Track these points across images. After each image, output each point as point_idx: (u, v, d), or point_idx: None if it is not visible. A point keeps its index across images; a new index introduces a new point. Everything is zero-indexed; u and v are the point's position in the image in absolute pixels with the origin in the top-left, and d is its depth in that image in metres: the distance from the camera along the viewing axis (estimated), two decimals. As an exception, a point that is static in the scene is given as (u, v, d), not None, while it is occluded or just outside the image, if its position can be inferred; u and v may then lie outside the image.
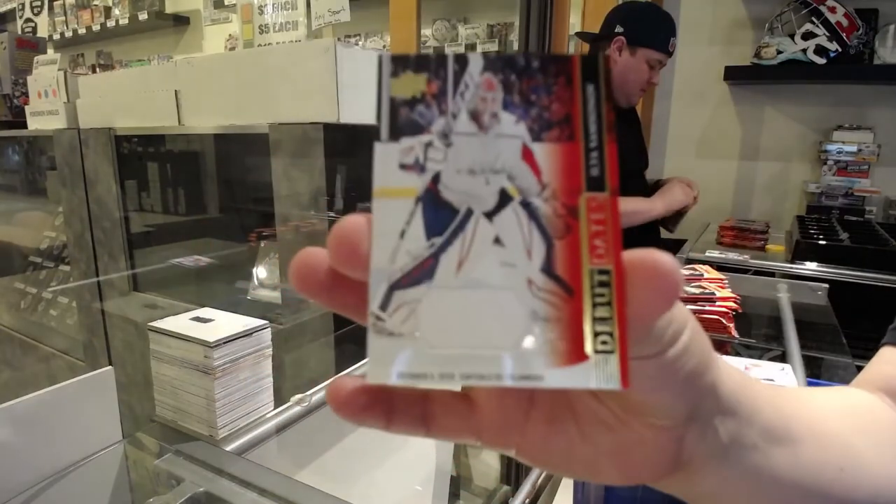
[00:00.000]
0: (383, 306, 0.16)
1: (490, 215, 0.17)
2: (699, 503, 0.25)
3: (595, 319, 0.16)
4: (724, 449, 0.22)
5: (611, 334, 0.16)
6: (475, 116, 0.17)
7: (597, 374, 0.16)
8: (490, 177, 0.17)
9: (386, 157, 0.17)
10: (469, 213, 0.17)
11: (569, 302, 0.16)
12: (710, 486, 0.24)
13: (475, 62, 0.17)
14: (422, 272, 0.16)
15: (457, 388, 0.22)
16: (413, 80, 0.17)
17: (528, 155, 0.17)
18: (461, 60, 0.17)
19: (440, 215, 0.17)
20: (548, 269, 0.16)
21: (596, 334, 0.16)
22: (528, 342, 0.16)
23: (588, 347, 0.16)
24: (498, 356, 0.16)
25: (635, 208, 1.52)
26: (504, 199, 0.17)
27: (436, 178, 0.17)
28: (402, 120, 0.17)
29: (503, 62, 0.17)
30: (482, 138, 0.17)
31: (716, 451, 0.22)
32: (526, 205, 0.17)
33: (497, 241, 0.17)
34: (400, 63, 0.17)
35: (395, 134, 0.17)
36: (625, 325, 0.16)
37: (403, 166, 0.17)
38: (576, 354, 0.16)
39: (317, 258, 0.18)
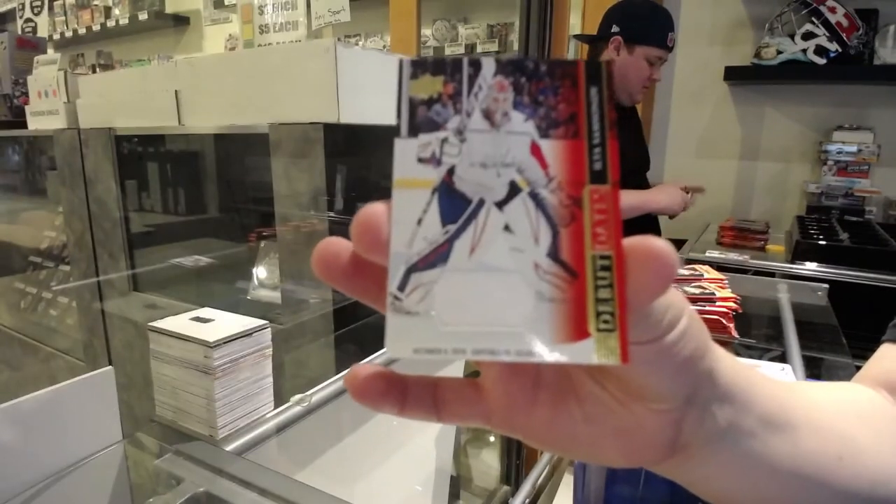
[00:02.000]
0: (401, 287, 0.17)
1: (500, 205, 0.18)
2: (697, 487, 0.26)
3: (597, 300, 0.17)
4: (722, 434, 0.23)
5: (612, 314, 0.17)
6: (488, 115, 0.18)
7: (598, 350, 0.17)
8: (501, 170, 0.18)
9: (405, 151, 0.18)
10: (481, 202, 0.18)
11: (573, 284, 0.17)
12: (709, 470, 0.24)
13: (488, 66, 0.18)
14: (437, 256, 0.18)
15: (468, 363, 0.23)
16: (431, 82, 0.18)
17: (536, 150, 0.18)
18: (475, 64, 0.18)
19: (454, 204, 0.18)
20: (554, 254, 0.18)
21: (598, 314, 0.17)
22: (535, 321, 0.17)
23: (591, 326, 0.17)
24: (507, 333, 0.17)
25: (632, 203, 1.51)
26: (514, 190, 0.18)
27: (451, 171, 0.18)
28: (420, 118, 0.18)
29: (514, 66, 0.18)
30: (494, 135, 0.18)
31: (714, 436, 0.23)
32: (534, 195, 0.18)
33: (507, 228, 0.18)
34: (419, 66, 0.18)
35: (414, 130, 0.18)
36: (625, 306, 0.17)
37: (421, 160, 0.18)
38: (579, 332, 0.17)
39: (339, 247, 0.19)
